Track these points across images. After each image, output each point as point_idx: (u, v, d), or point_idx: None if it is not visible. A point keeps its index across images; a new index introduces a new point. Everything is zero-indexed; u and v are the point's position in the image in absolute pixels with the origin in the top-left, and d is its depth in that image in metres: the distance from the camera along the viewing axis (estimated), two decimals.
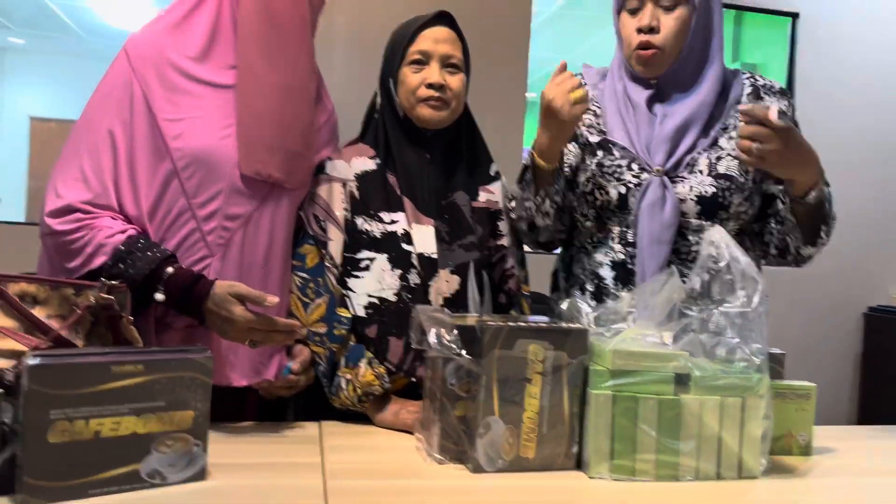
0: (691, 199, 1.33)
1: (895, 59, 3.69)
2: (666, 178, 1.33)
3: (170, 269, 1.16)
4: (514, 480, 1.03)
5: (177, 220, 1.22)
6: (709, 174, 1.34)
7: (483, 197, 1.45)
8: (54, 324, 1.09)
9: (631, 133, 1.38)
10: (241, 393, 1.28)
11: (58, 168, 1.22)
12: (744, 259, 1.14)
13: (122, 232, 1.17)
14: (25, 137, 7.24)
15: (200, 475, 0.96)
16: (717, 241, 1.17)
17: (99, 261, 1.16)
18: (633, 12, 1.35)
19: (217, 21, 1.28)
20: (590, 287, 1.43)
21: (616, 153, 1.38)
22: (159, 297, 1.16)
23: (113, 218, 1.20)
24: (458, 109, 1.40)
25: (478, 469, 1.05)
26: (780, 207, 1.37)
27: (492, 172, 1.49)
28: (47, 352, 0.93)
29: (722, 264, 1.15)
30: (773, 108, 1.18)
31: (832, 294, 3.63)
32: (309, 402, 1.39)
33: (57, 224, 1.18)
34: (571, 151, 1.44)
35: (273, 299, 1.15)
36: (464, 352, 1.07)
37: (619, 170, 1.37)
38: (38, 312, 1.10)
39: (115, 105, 1.22)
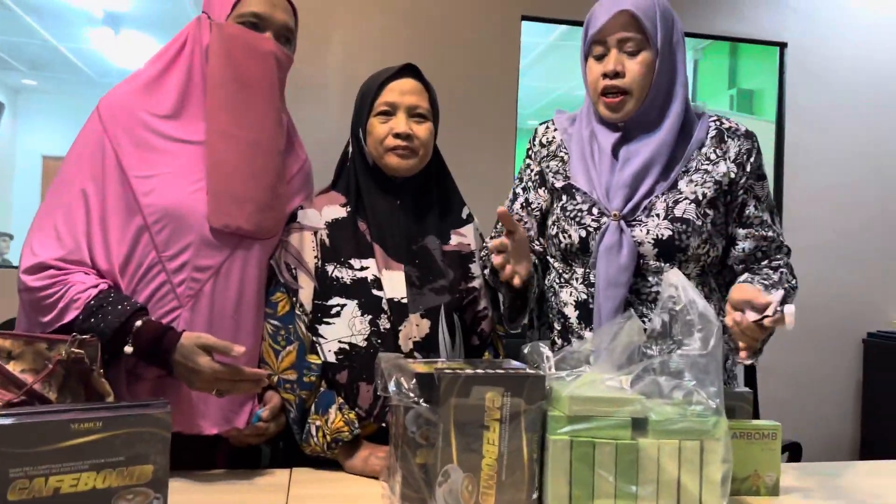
0: (648, 243, 1.36)
1: (884, 83, 3.70)
2: (623, 223, 1.36)
3: (138, 323, 1.20)
4: None
5: (147, 273, 1.26)
6: (665, 218, 1.36)
7: (455, 240, 1.48)
8: (28, 378, 1.12)
9: (592, 178, 1.41)
10: (212, 441, 1.31)
11: (34, 226, 1.27)
12: (700, 302, 1.16)
13: (94, 286, 1.21)
14: (38, 176, 7.40)
15: None
16: (675, 283, 1.19)
17: (71, 315, 1.20)
18: (599, 58, 1.39)
19: (188, 80, 1.33)
20: (557, 326, 1.46)
21: (578, 198, 1.42)
22: (128, 349, 1.19)
23: (86, 273, 1.24)
24: (427, 157, 1.44)
25: None
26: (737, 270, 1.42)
27: (463, 216, 1.52)
28: (7, 410, 0.96)
29: (679, 307, 1.17)
30: (790, 314, 1.17)
31: (831, 321, 3.61)
32: (287, 448, 1.42)
33: (31, 280, 1.23)
34: (541, 196, 1.49)
35: (239, 349, 1.18)
36: (422, 400, 1.08)
37: (580, 214, 1.40)
38: (13, 367, 1.13)
39: (87, 164, 1.26)
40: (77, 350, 1.13)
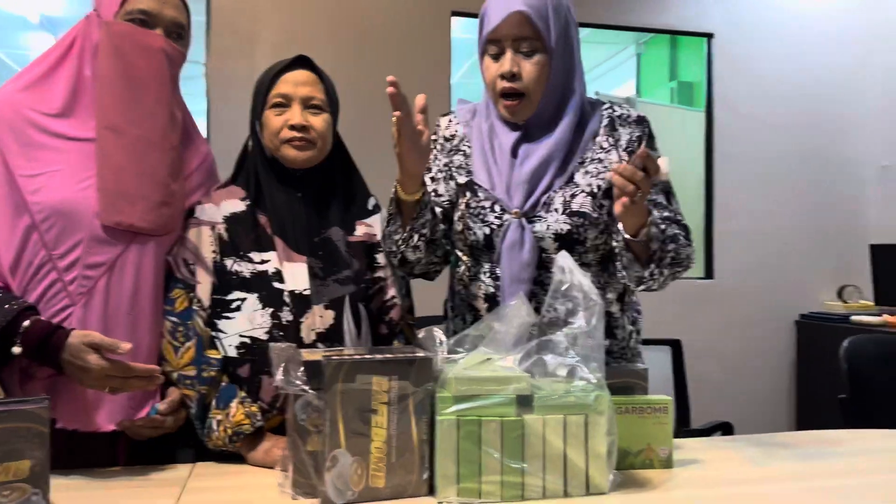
0: (549, 237, 1.39)
1: (809, 74, 3.83)
2: (524, 220, 1.39)
3: (26, 322, 1.19)
4: None
5: (38, 273, 1.25)
6: (563, 212, 1.39)
7: (360, 231, 1.49)
8: None
9: (493, 175, 1.43)
10: (113, 440, 1.30)
11: None
12: (586, 282, 1.19)
13: None
14: None
15: None
16: (563, 265, 1.22)
17: None
18: (495, 57, 1.40)
19: (77, 78, 1.32)
20: (469, 317, 1.48)
21: (480, 195, 1.44)
22: (16, 350, 1.18)
23: None
24: (325, 147, 1.44)
25: (327, 502, 1.07)
26: (614, 245, 1.41)
27: (370, 206, 1.53)
28: None
29: (565, 287, 1.20)
30: (663, 163, 1.22)
31: (763, 304, 3.72)
32: (197, 446, 1.41)
33: None
34: (451, 188, 1.49)
35: (126, 346, 1.17)
36: (308, 387, 1.10)
37: (483, 211, 1.42)
38: None
39: None
40: None
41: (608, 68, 6.01)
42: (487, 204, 1.43)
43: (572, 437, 1.13)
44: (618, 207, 1.24)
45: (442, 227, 1.49)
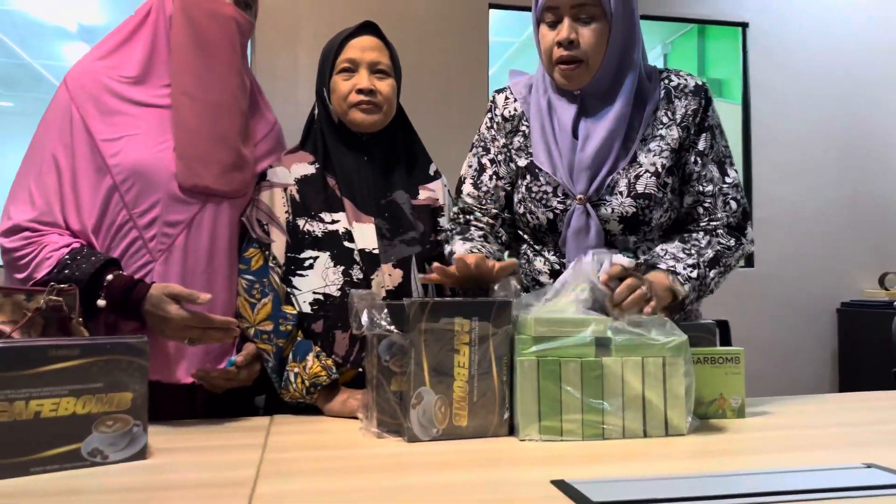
0: (614, 220, 1.38)
1: (845, 61, 3.82)
2: (588, 206, 1.37)
3: (109, 276, 1.23)
4: (446, 446, 1.08)
5: (120, 231, 1.31)
6: (628, 195, 1.37)
7: (423, 195, 1.52)
8: (7, 328, 1.15)
9: (554, 157, 1.40)
10: (191, 392, 1.34)
11: (10, 193, 1.32)
12: None
13: (67, 245, 1.26)
14: None
15: (142, 454, 1.01)
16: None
17: (43, 271, 1.23)
18: (552, 25, 1.36)
19: (152, 46, 1.38)
20: (532, 290, 1.49)
21: (542, 179, 1.41)
22: (101, 302, 1.23)
23: (59, 234, 1.28)
24: (391, 112, 1.48)
25: (413, 439, 1.10)
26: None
27: (431, 172, 1.56)
28: None
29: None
30: (619, 260, 1.25)
31: (804, 293, 3.70)
32: (269, 402, 1.45)
33: (7, 242, 1.28)
34: (509, 173, 1.48)
35: (205, 296, 1.21)
36: (393, 328, 1.12)
37: (545, 196, 1.41)
38: None
39: (56, 131, 1.32)
40: (55, 298, 1.16)
41: None
42: (549, 189, 1.40)
43: (651, 379, 1.14)
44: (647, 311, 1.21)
45: (505, 215, 1.49)
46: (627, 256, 1.40)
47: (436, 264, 1.23)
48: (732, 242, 1.39)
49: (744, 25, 3.73)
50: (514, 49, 5.27)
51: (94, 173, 1.30)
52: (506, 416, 1.14)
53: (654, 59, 6.02)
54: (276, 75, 3.19)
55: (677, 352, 1.15)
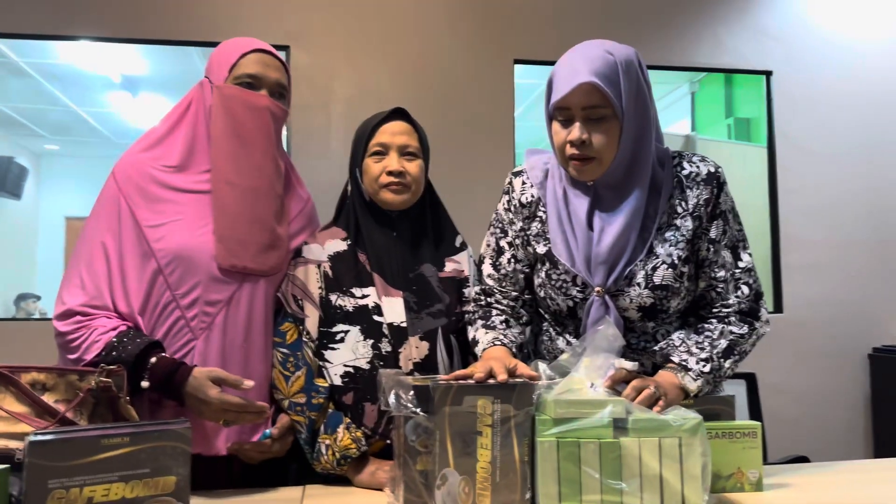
0: (633, 309, 1.41)
1: (869, 107, 3.82)
2: (607, 297, 1.40)
3: (153, 359, 1.33)
4: None
5: (164, 311, 1.40)
6: (646, 286, 1.39)
7: (449, 267, 1.59)
8: (61, 407, 1.23)
9: (572, 250, 1.42)
10: (228, 462, 1.41)
11: (63, 279, 1.42)
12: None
13: (114, 329, 1.35)
14: (62, 236, 7.65)
15: None
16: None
17: (93, 353, 1.33)
18: (564, 124, 1.37)
19: (193, 136, 1.48)
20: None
21: (560, 268, 1.44)
22: (144, 384, 1.32)
23: (108, 317, 1.37)
24: (419, 191, 1.56)
25: None
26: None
27: (457, 244, 1.63)
28: (46, 430, 1.07)
29: None
30: (621, 364, 1.27)
31: (835, 337, 3.67)
32: (301, 470, 1.51)
33: (61, 326, 1.37)
34: (528, 256, 1.51)
35: (249, 383, 1.30)
36: (419, 409, 1.18)
37: (565, 285, 1.44)
38: (47, 398, 1.25)
39: (105, 220, 1.42)
40: (105, 379, 1.24)
41: (663, 106, 6.07)
42: (568, 278, 1.43)
43: (668, 459, 1.18)
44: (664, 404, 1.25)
45: (526, 296, 1.54)
46: (646, 341, 1.44)
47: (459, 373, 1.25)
48: (745, 330, 1.41)
49: (768, 74, 3.77)
50: (538, 94, 5.37)
51: (139, 258, 1.40)
52: (528, 495, 1.19)
53: (681, 97, 6.08)
54: (310, 133, 3.31)
55: (693, 432, 1.19)
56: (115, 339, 1.33)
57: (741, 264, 1.44)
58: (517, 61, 3.49)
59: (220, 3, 3.30)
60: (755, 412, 2.63)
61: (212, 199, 1.44)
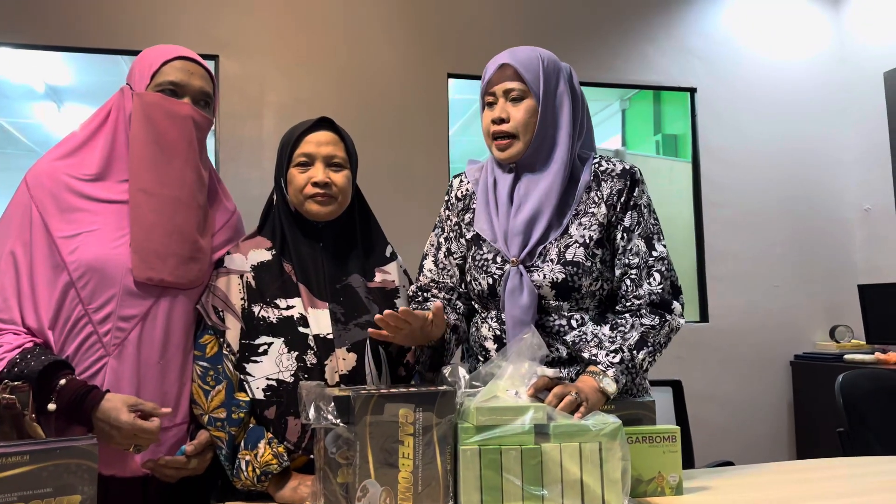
0: (546, 285, 1.47)
1: (789, 123, 4.01)
2: (522, 268, 1.48)
3: (62, 381, 1.27)
4: None
5: (75, 327, 1.34)
6: (558, 262, 1.47)
7: (379, 277, 1.57)
8: None
9: (494, 226, 1.54)
10: (144, 482, 1.36)
11: None
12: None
13: (19, 347, 1.29)
14: None
15: None
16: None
17: None
18: (490, 106, 1.55)
19: (112, 145, 1.43)
20: (480, 357, 1.56)
21: (484, 248, 1.55)
22: (51, 406, 1.26)
23: (15, 334, 1.31)
24: (345, 202, 1.54)
25: None
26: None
27: (387, 254, 1.62)
28: None
29: None
30: (544, 371, 1.31)
31: (758, 346, 3.80)
32: (224, 486, 1.46)
33: None
34: (462, 245, 1.60)
35: (165, 410, 1.28)
36: (339, 420, 1.17)
37: (486, 262, 1.53)
38: None
39: (16, 229, 1.35)
40: (9, 396, 1.18)
41: (595, 123, 6.17)
42: (490, 256, 1.53)
43: (588, 464, 1.20)
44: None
45: (462, 290, 1.60)
46: (561, 324, 1.48)
47: (378, 316, 1.31)
48: (656, 321, 1.45)
49: (692, 91, 3.91)
50: (474, 109, 5.42)
51: (51, 270, 1.34)
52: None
53: (613, 114, 6.23)
54: (241, 143, 3.26)
55: (613, 437, 1.21)
56: (17, 356, 1.26)
57: (654, 253, 1.50)
58: (451, 75, 3.53)
59: (148, 11, 3.22)
60: (681, 419, 2.69)
61: (129, 209, 1.39)
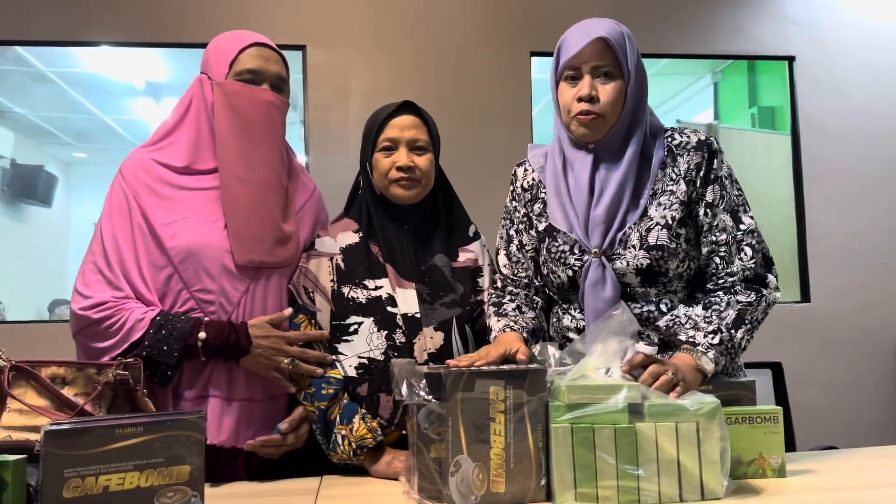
0: (630, 272, 1.41)
1: (893, 91, 3.73)
2: (604, 258, 1.42)
3: (206, 319, 1.39)
4: None
5: (181, 308, 1.41)
6: (641, 248, 1.40)
7: (462, 257, 1.58)
8: (80, 400, 1.25)
9: (570, 217, 1.45)
10: (248, 456, 1.42)
11: (80, 274, 1.43)
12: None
13: (152, 309, 1.38)
14: None
15: None
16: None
17: (138, 333, 1.35)
18: (572, 82, 1.43)
19: (197, 135, 1.49)
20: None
21: (559, 239, 1.47)
22: (202, 335, 1.36)
23: (138, 303, 1.39)
24: (429, 184, 1.55)
25: None
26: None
27: (470, 233, 1.63)
28: (62, 420, 1.09)
29: None
30: (641, 348, 1.26)
31: (861, 328, 3.59)
32: (319, 464, 1.51)
33: (93, 314, 1.37)
34: (533, 237, 1.54)
35: (287, 311, 1.44)
36: (431, 397, 1.18)
37: (563, 255, 1.46)
38: (67, 391, 1.27)
39: (118, 217, 1.44)
40: (122, 372, 1.26)
41: (685, 98, 5.99)
42: (567, 247, 1.46)
43: (685, 443, 1.16)
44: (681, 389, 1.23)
45: (538, 284, 1.56)
46: (650, 310, 1.42)
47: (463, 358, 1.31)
48: (752, 297, 1.38)
49: (790, 59, 3.70)
50: None
51: (153, 255, 1.42)
52: (543, 482, 1.18)
53: (704, 87, 6.00)
54: (328, 131, 3.33)
55: (711, 416, 1.17)
56: (158, 318, 1.35)
57: (742, 226, 1.43)
58: (534, 53, 3.48)
59: (240, 7, 3.33)
60: (782, 402, 2.58)
61: (222, 196, 1.45)
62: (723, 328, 1.35)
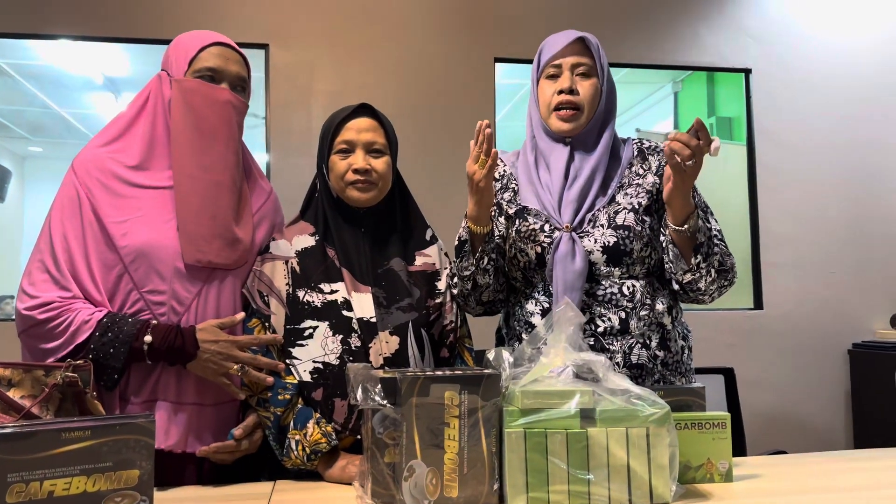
0: (597, 250, 1.49)
1: (847, 103, 3.86)
2: (574, 234, 1.50)
3: (154, 322, 1.36)
4: None
5: (131, 309, 1.39)
6: (609, 227, 1.51)
7: (419, 261, 1.58)
8: (27, 403, 1.22)
9: (542, 197, 1.56)
10: (200, 461, 1.40)
11: (26, 272, 1.39)
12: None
13: (100, 311, 1.35)
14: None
15: None
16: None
17: (84, 335, 1.32)
18: (553, 79, 1.56)
19: (152, 132, 1.46)
20: (525, 336, 1.55)
21: (530, 218, 1.56)
22: (147, 338, 1.33)
23: (85, 304, 1.36)
24: (386, 187, 1.55)
25: None
26: (662, 239, 1.50)
27: (427, 237, 1.63)
28: (6, 423, 1.06)
29: None
30: (717, 141, 1.35)
31: (815, 333, 3.70)
32: (273, 469, 1.50)
33: (39, 314, 1.34)
34: (502, 223, 1.60)
35: (240, 315, 1.42)
36: (386, 402, 1.18)
37: (534, 232, 1.54)
38: (13, 394, 1.23)
39: (68, 214, 1.40)
40: (71, 374, 1.23)
41: (646, 106, 6.09)
42: (537, 225, 1.54)
43: (635, 449, 1.19)
44: (667, 189, 1.37)
45: (501, 260, 1.59)
46: (613, 292, 1.50)
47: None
48: (725, 247, 1.49)
49: (747, 72, 3.80)
50: (522, 94, 5.38)
51: (104, 254, 1.39)
52: (495, 486, 1.19)
53: (665, 97, 6.10)
54: (291, 131, 3.31)
55: (661, 422, 1.19)
56: (105, 320, 1.32)
57: (711, 224, 1.51)
58: (498, 60, 3.50)
59: (201, 3, 3.29)
60: (733, 407, 2.64)
61: (174, 195, 1.43)
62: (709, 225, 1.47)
